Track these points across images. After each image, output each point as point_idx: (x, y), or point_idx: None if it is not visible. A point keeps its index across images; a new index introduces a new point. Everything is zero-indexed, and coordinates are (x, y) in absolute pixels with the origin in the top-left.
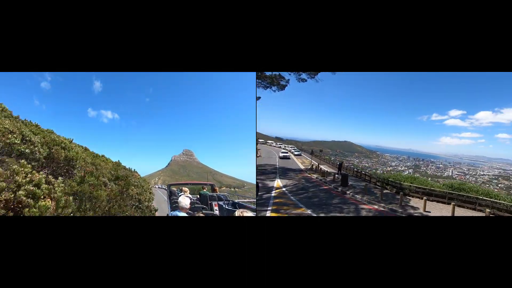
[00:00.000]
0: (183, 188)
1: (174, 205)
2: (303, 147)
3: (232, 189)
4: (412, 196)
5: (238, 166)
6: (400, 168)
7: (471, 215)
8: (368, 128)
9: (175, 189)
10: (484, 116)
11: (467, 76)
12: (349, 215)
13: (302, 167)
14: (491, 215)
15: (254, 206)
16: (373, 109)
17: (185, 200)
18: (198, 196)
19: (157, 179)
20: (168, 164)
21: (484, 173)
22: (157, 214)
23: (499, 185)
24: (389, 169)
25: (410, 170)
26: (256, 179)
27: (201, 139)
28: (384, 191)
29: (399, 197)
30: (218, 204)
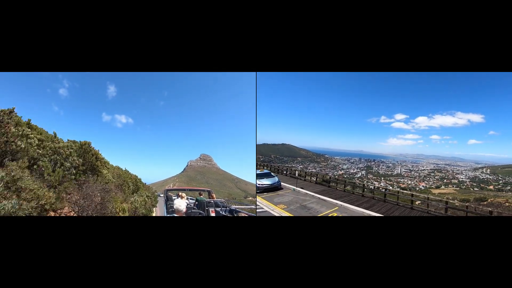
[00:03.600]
0: (180, 193)
1: (171, 210)
2: None
3: None
4: None
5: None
6: (352, 171)
7: (471, 215)
8: (314, 130)
9: (172, 194)
10: (422, 121)
11: (408, 82)
12: (349, 215)
13: None
14: (492, 215)
15: (251, 213)
16: (319, 111)
17: (181, 204)
18: (196, 201)
19: (171, 186)
20: (184, 170)
21: (424, 168)
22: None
23: (436, 177)
24: (340, 172)
25: (363, 172)
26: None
27: (221, 144)
28: None
29: None
30: (215, 210)
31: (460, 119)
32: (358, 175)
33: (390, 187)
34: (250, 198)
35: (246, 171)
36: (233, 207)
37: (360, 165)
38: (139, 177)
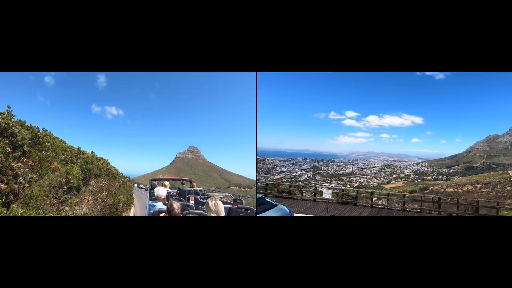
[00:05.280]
0: (164, 182)
1: (153, 197)
2: None
3: (242, 189)
4: None
5: (247, 165)
6: (295, 173)
7: (471, 215)
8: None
9: (156, 183)
10: (373, 119)
11: (360, 79)
12: (349, 215)
13: None
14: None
15: (226, 200)
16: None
17: (161, 191)
18: (178, 190)
19: (160, 177)
20: (172, 162)
21: (375, 165)
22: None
23: (386, 173)
24: (278, 176)
25: (310, 173)
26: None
27: (207, 136)
28: None
29: None
30: (194, 198)
31: (406, 120)
32: (304, 178)
33: (343, 187)
34: (233, 187)
35: (230, 162)
36: (211, 194)
37: (306, 166)
38: (129, 171)
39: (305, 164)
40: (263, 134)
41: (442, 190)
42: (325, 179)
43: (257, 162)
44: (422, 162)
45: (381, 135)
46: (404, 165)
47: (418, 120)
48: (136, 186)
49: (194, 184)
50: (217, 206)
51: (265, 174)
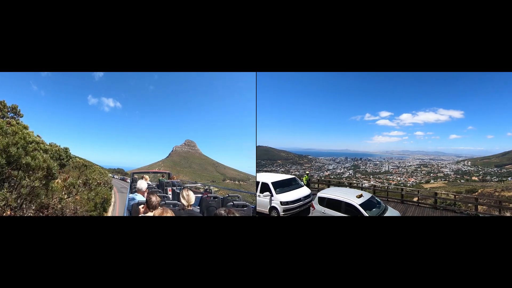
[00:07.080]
0: (144, 175)
1: (134, 190)
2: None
3: (237, 182)
4: None
5: (242, 159)
6: (339, 171)
7: (470, 215)
8: (294, 130)
9: (137, 176)
10: (406, 118)
11: (392, 79)
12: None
13: None
14: (490, 215)
15: (198, 190)
16: (300, 110)
17: (142, 184)
18: (158, 182)
19: (156, 170)
20: (169, 155)
21: (410, 164)
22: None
23: (422, 171)
24: (327, 173)
25: (350, 171)
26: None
27: (204, 130)
28: None
29: None
30: (172, 189)
31: (442, 115)
32: (346, 175)
33: (380, 184)
34: (228, 181)
35: (225, 156)
36: (186, 185)
37: (347, 165)
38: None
39: (347, 163)
40: (308, 136)
41: (497, 193)
42: (364, 176)
43: (308, 161)
44: (463, 160)
45: (415, 133)
46: (442, 164)
47: (457, 114)
48: (130, 182)
49: (174, 176)
50: (188, 196)
51: (316, 171)
